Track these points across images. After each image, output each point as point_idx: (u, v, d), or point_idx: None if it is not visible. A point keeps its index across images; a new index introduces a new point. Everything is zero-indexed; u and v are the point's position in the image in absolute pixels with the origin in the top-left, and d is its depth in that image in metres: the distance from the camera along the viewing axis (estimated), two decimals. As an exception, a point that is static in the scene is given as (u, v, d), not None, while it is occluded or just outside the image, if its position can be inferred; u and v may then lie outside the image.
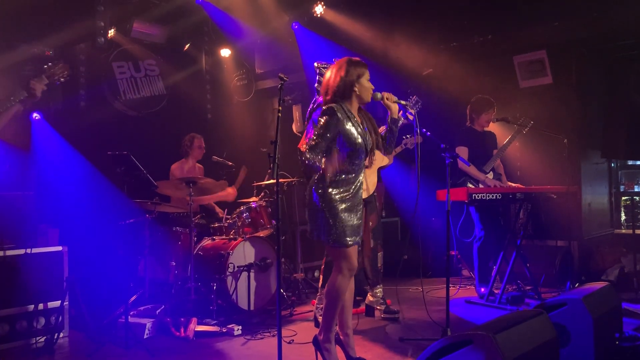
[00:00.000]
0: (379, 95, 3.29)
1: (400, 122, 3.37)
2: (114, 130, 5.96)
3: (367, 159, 3.31)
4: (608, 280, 5.20)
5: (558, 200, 4.98)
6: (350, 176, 3.19)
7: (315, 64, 4.10)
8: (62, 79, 2.99)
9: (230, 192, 5.37)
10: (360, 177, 3.26)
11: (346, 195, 3.15)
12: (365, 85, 3.21)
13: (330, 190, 3.14)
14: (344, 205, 3.14)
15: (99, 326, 4.19)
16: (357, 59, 3.28)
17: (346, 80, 3.15)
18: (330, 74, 3.23)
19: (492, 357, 2.37)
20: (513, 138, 5.13)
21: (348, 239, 3.14)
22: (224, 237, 4.95)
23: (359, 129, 3.18)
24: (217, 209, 5.56)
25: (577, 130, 5.76)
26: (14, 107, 2.67)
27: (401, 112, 3.41)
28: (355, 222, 3.17)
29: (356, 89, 3.17)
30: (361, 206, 3.24)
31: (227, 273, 4.52)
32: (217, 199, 5.33)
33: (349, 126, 3.12)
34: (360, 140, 3.15)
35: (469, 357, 2.43)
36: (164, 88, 6.49)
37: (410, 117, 3.78)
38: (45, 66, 2.89)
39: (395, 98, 3.31)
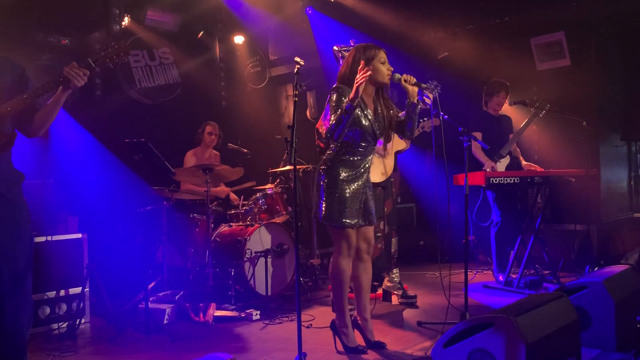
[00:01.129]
0: (397, 76, 3.25)
1: (420, 106, 3.32)
2: (130, 118, 5.98)
3: (383, 145, 3.28)
4: (628, 263, 5.10)
5: (576, 184, 4.93)
6: (355, 158, 3.22)
7: (335, 48, 4.08)
8: (118, 62, 2.61)
9: (223, 190, 5.42)
10: (367, 162, 3.28)
11: (349, 177, 3.18)
12: (379, 67, 3.18)
13: (334, 169, 3.19)
14: (345, 186, 3.17)
15: (120, 312, 4.25)
16: (369, 43, 3.29)
17: (353, 65, 3.16)
18: (344, 62, 3.27)
19: (513, 339, 2.37)
20: (529, 122, 5.07)
21: (345, 220, 3.16)
22: (240, 223, 4.97)
23: (366, 111, 3.19)
24: (233, 196, 5.58)
25: (596, 113, 5.69)
26: (53, 97, 2.58)
27: (419, 96, 3.37)
28: (356, 205, 3.20)
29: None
30: (365, 189, 3.25)
31: (245, 259, 4.55)
32: (213, 192, 5.28)
33: (356, 110, 3.12)
34: (366, 123, 3.17)
35: (490, 339, 2.44)
36: (178, 76, 6.47)
37: (428, 101, 3.77)
38: (100, 48, 2.60)
39: (414, 80, 3.26)
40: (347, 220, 3.18)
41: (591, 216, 5.48)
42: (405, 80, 3.24)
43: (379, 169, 4.36)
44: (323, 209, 3.19)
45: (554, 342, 2.58)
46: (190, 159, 5.42)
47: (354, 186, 3.21)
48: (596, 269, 5.01)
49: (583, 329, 3.09)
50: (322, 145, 3.81)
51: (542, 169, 4.98)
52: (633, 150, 6.37)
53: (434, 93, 3.93)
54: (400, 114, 3.37)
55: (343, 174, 3.21)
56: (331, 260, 3.29)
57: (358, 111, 3.15)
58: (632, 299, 3.30)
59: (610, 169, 6.04)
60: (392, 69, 3.25)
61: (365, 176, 3.28)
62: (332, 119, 3.10)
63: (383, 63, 3.21)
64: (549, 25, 5.80)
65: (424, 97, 3.70)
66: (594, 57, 5.79)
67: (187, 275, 4.68)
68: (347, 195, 3.18)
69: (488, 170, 4.82)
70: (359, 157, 3.23)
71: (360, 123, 3.16)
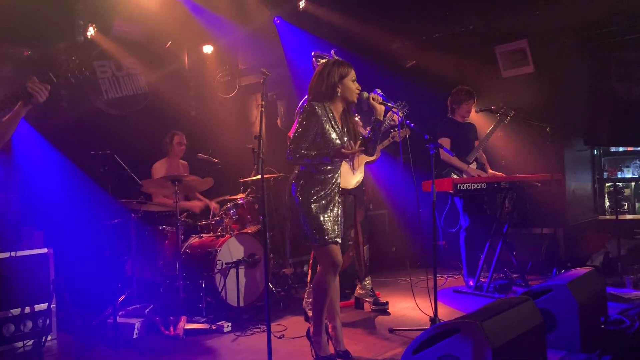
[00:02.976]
0: (365, 94, 3.34)
1: (385, 125, 3.36)
2: (96, 130, 5.86)
3: (350, 161, 3.36)
4: (593, 265, 5.24)
5: (543, 188, 5.02)
6: (327, 176, 3.25)
7: (313, 54, 4.14)
8: (80, 76, 2.60)
9: (197, 205, 5.39)
10: (337, 176, 3.32)
11: (322, 194, 3.20)
12: (349, 85, 3.25)
13: (308, 187, 3.20)
14: (320, 204, 3.19)
15: (88, 328, 4.16)
16: (341, 59, 3.36)
17: (328, 81, 3.21)
18: (314, 76, 3.30)
19: (480, 344, 2.41)
20: (495, 128, 5.15)
21: (327, 236, 3.18)
22: (211, 234, 4.95)
23: (338, 130, 3.23)
24: (213, 205, 5.46)
25: (560, 118, 5.80)
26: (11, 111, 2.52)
27: (390, 112, 3.43)
28: (333, 219, 3.22)
29: (338, 90, 3.22)
30: (338, 203, 3.29)
31: (216, 270, 4.52)
32: (186, 206, 5.27)
33: (327, 126, 3.18)
34: (338, 141, 3.20)
35: (457, 345, 2.47)
36: (146, 86, 6.43)
37: (396, 118, 3.80)
38: (62, 60, 2.57)
39: (380, 99, 3.36)
40: (329, 237, 3.19)
41: (557, 219, 5.58)
42: (373, 99, 3.33)
43: (348, 175, 4.39)
44: (303, 228, 3.21)
45: (520, 345, 2.62)
46: (158, 170, 5.37)
47: (326, 202, 3.23)
48: (563, 271, 5.11)
49: (549, 332, 3.16)
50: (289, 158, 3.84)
51: (505, 175, 5.06)
52: (596, 154, 6.50)
53: (403, 112, 4.08)
54: (366, 130, 3.42)
55: (317, 192, 3.22)
56: (315, 276, 3.31)
57: (328, 127, 3.18)
58: (595, 300, 3.38)
59: (575, 173, 6.15)
60: (360, 87, 3.33)
61: (337, 189, 3.31)
62: (304, 151, 3.12)
63: (353, 81, 3.27)
64: (512, 33, 5.91)
65: (394, 114, 3.77)
66: (556, 64, 5.92)
67: (157, 288, 4.63)
68: (322, 212, 3.19)
69: (480, 176, 4.91)
70: (330, 175, 3.27)
71: (331, 140, 3.19)
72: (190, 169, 5.63)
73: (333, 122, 3.21)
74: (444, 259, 5.99)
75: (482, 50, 6.16)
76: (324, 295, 3.26)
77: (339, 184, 3.33)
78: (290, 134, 4.02)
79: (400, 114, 3.66)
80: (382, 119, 3.33)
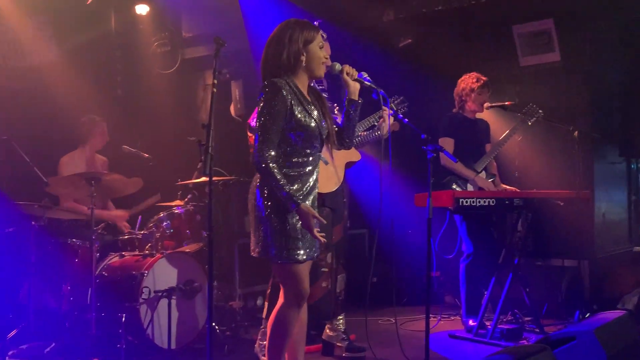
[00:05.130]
0: (337, 67, 3.32)
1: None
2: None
3: (328, 149, 3.29)
4: (626, 308, 5.31)
5: (565, 208, 5.05)
6: (301, 170, 3.20)
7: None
8: None
9: (119, 215, 5.40)
10: (315, 173, 3.29)
11: (298, 195, 3.12)
12: (316, 53, 3.23)
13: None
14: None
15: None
16: (306, 20, 3.31)
17: (290, 48, 3.17)
18: (269, 43, 3.24)
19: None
20: (514, 131, 5.15)
21: (300, 251, 3.15)
22: (136, 252, 4.92)
23: (311, 110, 3.21)
24: (121, 224, 5.44)
25: (590, 121, 5.85)
26: None
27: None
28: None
29: (302, 59, 3.19)
30: (316, 210, 3.26)
31: (141, 300, 4.49)
32: (105, 216, 5.28)
33: (297, 106, 3.15)
34: (313, 124, 3.18)
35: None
36: (58, 55, 6.38)
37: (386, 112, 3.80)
38: None
39: (356, 74, 3.35)
40: (302, 253, 3.15)
41: (583, 249, 5.61)
42: (347, 73, 3.32)
43: (326, 175, 4.33)
44: (270, 242, 3.15)
45: (534, 407, 2.64)
46: (68, 165, 5.28)
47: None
48: (588, 315, 5.20)
49: (570, 391, 3.19)
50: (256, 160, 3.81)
51: (518, 190, 5.07)
52: (633, 168, 6.60)
53: (400, 110, 4.11)
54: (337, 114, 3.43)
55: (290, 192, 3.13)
56: (277, 308, 3.29)
57: (301, 109, 3.15)
58: (628, 351, 3.43)
59: (607, 191, 6.22)
60: (329, 54, 3.32)
61: (314, 192, 3.28)
62: (272, 152, 3.08)
63: (321, 48, 3.26)
64: (536, 10, 5.92)
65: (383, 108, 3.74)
66: (589, 53, 5.94)
67: (61, 322, 4.57)
68: (297, 219, 3.14)
69: (491, 189, 4.93)
70: (306, 169, 3.23)
71: (307, 125, 3.16)
72: (111, 165, 5.59)
73: (303, 100, 3.18)
74: (437, 294, 5.96)
75: (496, 29, 6.15)
76: (284, 335, 3.23)
77: (316, 181, 3.30)
78: (251, 121, 4.03)
79: (391, 106, 3.65)
80: (357, 98, 3.33)
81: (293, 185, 3.14)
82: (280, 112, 3.10)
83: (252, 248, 3.25)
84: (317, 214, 3.12)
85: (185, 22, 7.19)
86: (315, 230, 3.11)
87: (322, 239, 3.14)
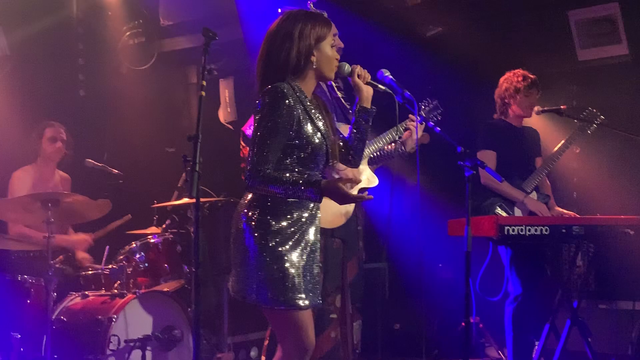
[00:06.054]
0: (347, 68, 3.40)
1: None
2: None
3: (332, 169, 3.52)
4: None
5: (636, 238, 4.91)
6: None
7: (311, 5, 4.22)
8: None
9: (80, 240, 5.46)
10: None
11: (297, 225, 3.18)
12: (328, 53, 3.28)
13: (266, 219, 3.15)
14: (288, 244, 3.16)
15: None
16: (316, 12, 3.46)
17: (301, 45, 3.20)
18: (273, 37, 3.26)
19: None
20: (571, 141, 5.12)
21: (301, 296, 3.14)
22: (103, 292, 4.97)
23: (318, 121, 3.26)
24: (81, 254, 5.45)
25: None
26: None
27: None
28: (308, 269, 3.20)
29: (313, 60, 3.23)
30: (318, 243, 3.29)
31: (109, 352, 4.55)
32: (63, 243, 5.32)
33: (304, 118, 3.19)
34: (317, 139, 3.20)
35: None
36: (6, 47, 6.45)
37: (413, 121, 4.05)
38: None
39: (368, 76, 3.44)
40: (304, 298, 3.12)
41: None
42: (359, 75, 3.41)
43: (333, 205, 4.15)
44: (261, 283, 3.12)
45: None
46: (19, 183, 5.38)
47: (301, 239, 3.18)
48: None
49: None
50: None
51: (577, 215, 5.07)
52: None
53: (433, 117, 4.32)
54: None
55: (286, 222, 3.15)
56: None
57: (306, 121, 3.19)
58: None
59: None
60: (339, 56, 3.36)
61: (317, 221, 3.27)
62: (268, 169, 3.09)
63: (332, 47, 3.31)
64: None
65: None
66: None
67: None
68: (297, 256, 3.15)
69: (544, 214, 4.92)
70: None
71: (310, 139, 3.19)
72: (73, 184, 5.69)
73: (308, 109, 3.22)
74: (477, 346, 5.93)
75: (547, 16, 6.18)
76: None
77: (319, 210, 3.29)
78: (246, 129, 4.08)
79: (420, 113, 3.73)
80: (369, 106, 3.42)
81: (288, 215, 3.17)
82: (283, 125, 3.12)
83: (233, 289, 3.26)
84: (342, 186, 3.07)
85: (163, 7, 7.17)
86: (340, 184, 3.10)
87: (369, 197, 3.22)
